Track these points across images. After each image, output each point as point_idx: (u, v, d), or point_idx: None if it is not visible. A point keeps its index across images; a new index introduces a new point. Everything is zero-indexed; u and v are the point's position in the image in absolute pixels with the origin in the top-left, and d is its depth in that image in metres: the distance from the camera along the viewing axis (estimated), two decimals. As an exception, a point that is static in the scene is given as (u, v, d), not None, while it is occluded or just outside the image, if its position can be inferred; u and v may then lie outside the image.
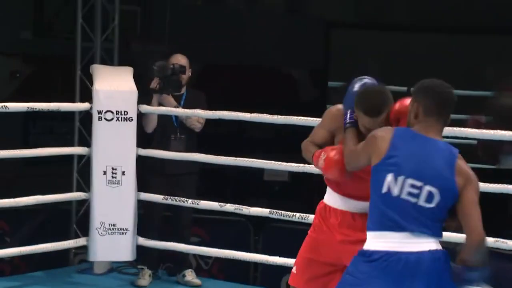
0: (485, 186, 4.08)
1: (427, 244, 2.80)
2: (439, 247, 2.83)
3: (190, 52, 5.32)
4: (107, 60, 5.67)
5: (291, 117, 4.64)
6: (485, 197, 4.58)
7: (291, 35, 8.07)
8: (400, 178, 2.79)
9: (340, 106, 3.30)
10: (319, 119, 4.48)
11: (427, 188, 2.79)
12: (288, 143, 7.43)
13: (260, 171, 7.46)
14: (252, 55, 8.03)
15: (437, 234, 2.83)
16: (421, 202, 2.79)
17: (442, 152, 2.83)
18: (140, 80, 5.20)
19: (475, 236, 2.80)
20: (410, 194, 2.79)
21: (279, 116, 4.67)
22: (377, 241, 2.82)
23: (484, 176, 4.47)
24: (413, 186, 2.79)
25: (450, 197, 2.81)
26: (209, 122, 5.11)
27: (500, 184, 4.08)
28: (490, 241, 4.09)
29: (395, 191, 2.79)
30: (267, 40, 8.03)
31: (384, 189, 2.80)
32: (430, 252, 2.79)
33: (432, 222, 2.80)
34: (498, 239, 4.08)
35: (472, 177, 2.85)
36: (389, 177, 2.80)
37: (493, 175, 5.28)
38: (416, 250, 2.78)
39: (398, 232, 2.79)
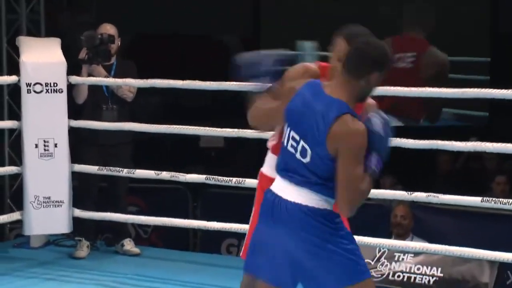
0: (413, 143, 4.18)
1: (302, 198, 2.76)
2: (316, 204, 2.76)
3: (120, 22, 5.26)
4: (34, 32, 5.56)
5: (223, 82, 4.64)
6: (415, 153, 4.73)
7: (221, 2, 8.04)
8: (288, 129, 2.81)
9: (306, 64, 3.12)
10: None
11: (302, 143, 2.76)
12: (222, 109, 7.48)
13: (196, 138, 7.47)
14: (183, 23, 7.98)
15: (321, 191, 2.75)
16: (298, 155, 2.77)
17: (324, 107, 2.73)
18: (69, 51, 5.13)
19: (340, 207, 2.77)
20: (292, 146, 2.80)
21: (212, 82, 4.67)
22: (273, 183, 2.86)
23: (413, 133, 4.60)
24: (293, 138, 2.79)
25: (323, 157, 2.72)
26: (144, 91, 5.07)
27: (428, 140, 4.15)
28: (422, 196, 4.20)
29: (285, 141, 2.82)
30: (197, 8, 7.98)
31: (283, 138, 2.84)
32: (298, 204, 2.76)
33: (315, 177, 2.74)
34: (430, 193, 4.17)
35: (347, 144, 2.69)
36: (285, 127, 2.83)
37: (422, 132, 5.39)
38: (286, 198, 2.77)
39: (283, 179, 2.81)
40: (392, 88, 4.20)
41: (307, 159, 2.74)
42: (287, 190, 2.79)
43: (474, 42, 8.10)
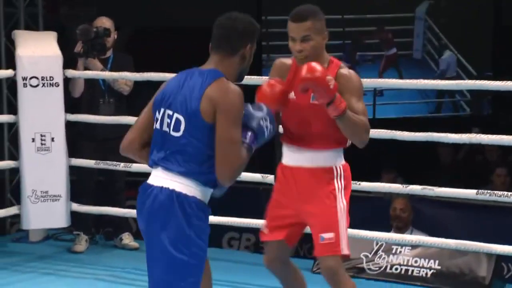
0: (409, 135, 4.14)
1: (168, 181, 2.68)
2: (180, 188, 2.66)
3: (120, 15, 5.23)
4: (32, 25, 5.55)
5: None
6: (416, 146, 4.70)
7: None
8: (162, 111, 2.73)
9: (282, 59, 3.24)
10: (254, 77, 4.47)
11: (176, 116, 2.69)
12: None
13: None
14: (183, 16, 7.95)
15: (189, 171, 2.67)
16: (171, 131, 2.70)
17: (198, 78, 2.69)
18: (69, 45, 5.11)
19: (219, 177, 2.67)
20: (167, 124, 2.71)
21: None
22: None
23: (414, 124, 4.57)
24: (168, 116, 2.71)
25: (196, 125, 2.66)
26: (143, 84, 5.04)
27: (424, 133, 4.12)
28: (417, 188, 4.16)
29: (158, 125, 2.74)
30: (198, 1, 7.95)
31: (154, 124, 2.76)
32: (163, 189, 2.68)
33: (183, 156, 2.68)
34: (425, 186, 4.13)
35: (223, 105, 2.64)
36: (156, 113, 2.75)
37: (424, 123, 5.36)
38: (155, 184, 2.70)
39: (155, 166, 2.74)
40: (383, 80, 4.17)
41: (179, 133, 2.68)
42: (154, 176, 2.72)
43: (478, 35, 8.09)
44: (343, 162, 3.24)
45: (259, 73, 7.37)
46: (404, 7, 8.39)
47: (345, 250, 3.14)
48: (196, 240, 2.66)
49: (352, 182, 4.32)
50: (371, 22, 8.41)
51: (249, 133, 2.73)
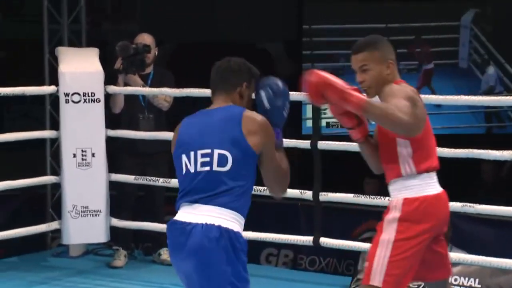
0: (449, 151, 4.10)
1: (210, 217, 2.70)
2: (227, 224, 2.70)
3: (163, 30, 5.26)
4: (75, 42, 5.63)
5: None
6: (457, 162, 4.63)
7: (263, 8, 8.03)
8: (192, 154, 2.79)
9: None
10: (296, 92, 4.44)
11: (217, 152, 2.75)
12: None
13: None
14: (225, 31, 7.99)
15: (232, 203, 2.72)
16: (216, 167, 2.75)
17: (222, 113, 2.80)
18: (111, 61, 5.16)
19: (275, 195, 2.87)
20: (203, 164, 2.76)
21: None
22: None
23: (459, 141, 4.52)
24: (203, 155, 2.77)
25: (246, 159, 2.74)
26: (185, 101, 5.08)
27: (464, 149, 4.07)
28: (457, 206, 4.11)
29: (191, 168, 2.78)
30: (239, 15, 7.99)
31: (184, 170, 2.80)
32: (209, 225, 2.69)
33: (230, 189, 2.72)
34: (465, 203, 4.07)
35: (265, 136, 2.77)
36: (183, 158, 2.81)
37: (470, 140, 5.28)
38: (194, 221, 2.72)
39: (190, 204, 2.75)
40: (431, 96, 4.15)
41: (227, 167, 2.74)
42: (190, 213, 2.74)
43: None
44: (413, 194, 3.01)
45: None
46: (450, 15, 8.33)
47: (375, 281, 2.96)
48: (244, 274, 2.72)
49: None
50: (416, 31, 8.35)
51: (277, 132, 2.84)
